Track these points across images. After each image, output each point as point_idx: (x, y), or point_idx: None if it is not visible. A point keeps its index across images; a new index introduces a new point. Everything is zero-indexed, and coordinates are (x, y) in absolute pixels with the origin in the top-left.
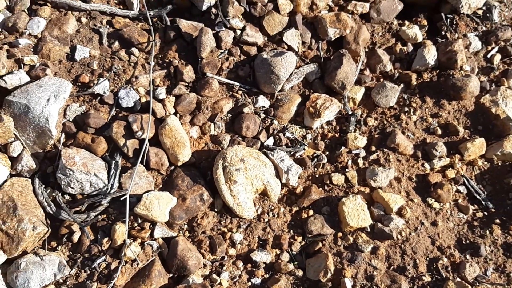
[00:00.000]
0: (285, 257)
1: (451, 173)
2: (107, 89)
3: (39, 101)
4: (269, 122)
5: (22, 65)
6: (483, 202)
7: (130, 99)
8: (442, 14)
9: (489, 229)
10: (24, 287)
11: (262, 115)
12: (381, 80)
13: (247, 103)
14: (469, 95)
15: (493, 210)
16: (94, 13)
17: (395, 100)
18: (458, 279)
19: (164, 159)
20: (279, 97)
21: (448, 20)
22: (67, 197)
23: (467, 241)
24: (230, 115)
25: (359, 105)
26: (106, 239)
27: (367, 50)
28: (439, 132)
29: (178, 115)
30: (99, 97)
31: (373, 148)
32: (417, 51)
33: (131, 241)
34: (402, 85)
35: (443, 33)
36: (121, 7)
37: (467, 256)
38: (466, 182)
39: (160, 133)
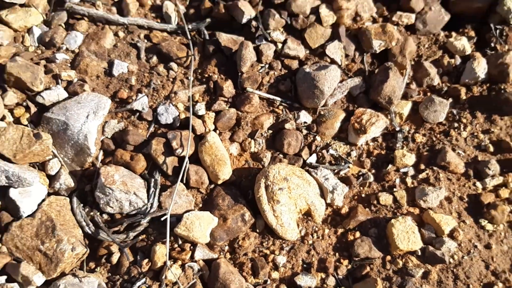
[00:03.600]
0: (331, 281)
1: (504, 193)
2: (146, 105)
3: (78, 118)
4: (312, 138)
5: (59, 80)
6: None
7: (169, 115)
8: (491, 25)
9: None
10: None
11: (304, 131)
12: (429, 94)
13: (289, 119)
14: None
15: None
16: (132, 27)
17: (444, 115)
18: None
19: (204, 177)
20: (322, 113)
21: (498, 31)
22: (105, 216)
23: None
24: (271, 131)
25: (406, 121)
26: (146, 260)
27: (412, 63)
28: (491, 149)
29: (217, 131)
30: (137, 113)
31: (422, 166)
32: (466, 64)
33: (172, 263)
34: (450, 100)
35: (492, 45)
36: (159, 21)
37: None
38: None
39: (200, 150)
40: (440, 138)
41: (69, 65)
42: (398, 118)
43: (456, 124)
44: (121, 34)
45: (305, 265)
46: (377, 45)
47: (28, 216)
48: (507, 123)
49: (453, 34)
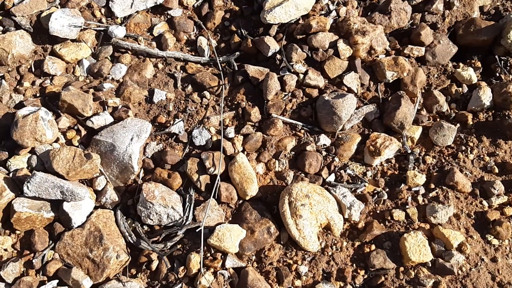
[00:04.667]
0: None
1: (509, 211)
2: (182, 129)
3: (124, 140)
4: (331, 159)
5: (106, 107)
6: None
7: (202, 138)
8: (496, 56)
9: None
10: None
11: (324, 153)
12: (438, 120)
13: (310, 142)
14: None
15: None
16: (170, 59)
17: (452, 139)
18: None
19: (234, 193)
20: (340, 136)
21: (502, 62)
22: (146, 227)
23: None
24: (293, 153)
25: (417, 144)
26: (182, 267)
27: (423, 91)
28: (496, 170)
29: (245, 152)
30: (174, 136)
31: (432, 186)
32: (472, 92)
33: (205, 270)
34: (458, 125)
35: (497, 74)
36: (194, 54)
37: None
38: None
39: (230, 169)
40: (448, 160)
41: (114, 93)
42: (410, 141)
43: (463, 147)
44: (160, 65)
45: (325, 275)
46: (390, 75)
47: (78, 226)
48: (511, 147)
49: (461, 65)
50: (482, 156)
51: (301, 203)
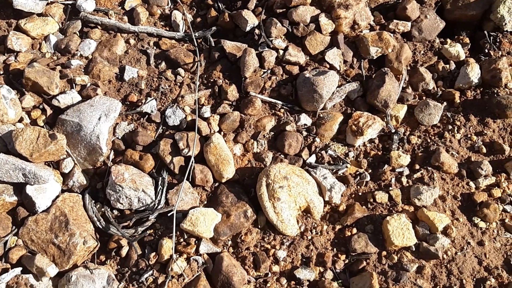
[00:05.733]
0: (329, 275)
1: (497, 192)
2: (155, 108)
3: (91, 120)
4: (311, 140)
5: (74, 85)
6: None
7: (176, 117)
8: (485, 32)
9: None
10: None
11: (304, 133)
12: (424, 98)
13: (289, 121)
14: None
15: None
16: (142, 35)
17: (439, 118)
18: None
19: (209, 176)
20: (321, 115)
21: (491, 37)
22: (115, 212)
23: None
24: (273, 133)
25: (402, 123)
26: (153, 253)
27: (409, 68)
28: (484, 150)
29: (222, 133)
30: (146, 116)
31: (417, 167)
32: (460, 69)
33: (178, 256)
34: (445, 103)
35: (486, 50)
36: (168, 29)
37: None
38: None
39: (205, 150)
40: (434, 140)
41: (83, 70)
42: (394, 120)
43: (450, 127)
44: (132, 41)
45: (304, 259)
46: (374, 51)
47: (43, 211)
48: (499, 126)
49: (448, 40)
50: (469, 135)
51: (279, 185)
